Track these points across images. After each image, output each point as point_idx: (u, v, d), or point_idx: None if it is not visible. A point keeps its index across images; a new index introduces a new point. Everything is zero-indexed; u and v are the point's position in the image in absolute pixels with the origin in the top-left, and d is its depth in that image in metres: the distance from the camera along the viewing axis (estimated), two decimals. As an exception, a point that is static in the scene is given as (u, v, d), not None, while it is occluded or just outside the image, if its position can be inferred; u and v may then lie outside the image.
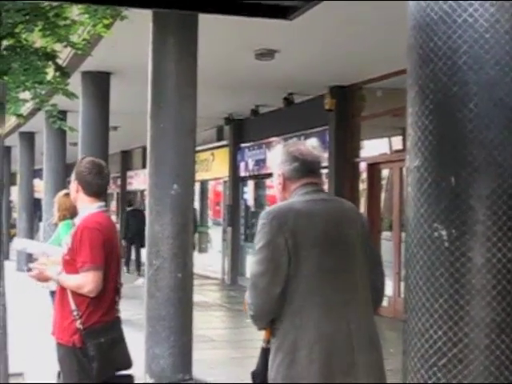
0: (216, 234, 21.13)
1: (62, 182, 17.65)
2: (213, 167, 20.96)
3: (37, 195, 25.65)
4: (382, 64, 11.88)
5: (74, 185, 4.96)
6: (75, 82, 11.68)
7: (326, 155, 12.90)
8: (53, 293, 6.02)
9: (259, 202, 18.96)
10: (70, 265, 4.74)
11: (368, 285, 3.54)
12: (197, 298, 10.19)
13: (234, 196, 19.43)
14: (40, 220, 23.03)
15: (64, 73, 7.55)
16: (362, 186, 14.38)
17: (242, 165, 19.10)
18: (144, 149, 22.93)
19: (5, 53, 6.78)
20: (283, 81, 13.72)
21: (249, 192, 19.54)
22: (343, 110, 14.26)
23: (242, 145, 19.03)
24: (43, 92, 8.56)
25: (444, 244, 2.58)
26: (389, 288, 12.50)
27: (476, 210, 2.54)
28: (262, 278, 3.38)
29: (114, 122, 15.69)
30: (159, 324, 8.14)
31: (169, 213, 8.14)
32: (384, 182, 14.21)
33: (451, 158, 2.58)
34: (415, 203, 2.68)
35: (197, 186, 19.96)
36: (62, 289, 4.81)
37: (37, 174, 25.82)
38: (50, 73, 7.69)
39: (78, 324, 4.65)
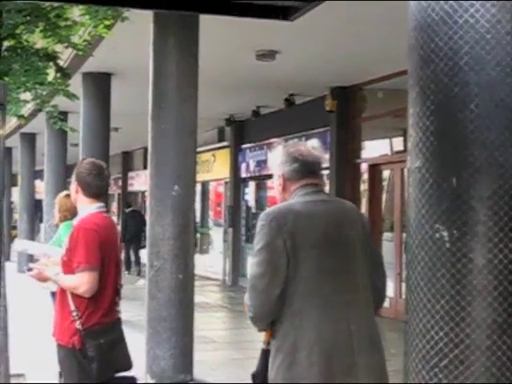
0: (217, 235, 21.13)
1: (62, 183, 17.65)
2: (214, 168, 20.96)
3: (38, 196, 25.64)
4: (383, 65, 11.88)
5: (73, 186, 4.98)
6: (76, 83, 11.68)
7: (326, 156, 12.91)
8: (54, 294, 6.02)
9: (260, 203, 18.95)
10: (68, 265, 4.75)
11: (369, 285, 3.54)
12: (198, 299, 10.19)
13: (235, 197, 19.43)
14: (41, 221, 23.02)
15: (65, 74, 7.56)
16: (363, 187, 14.37)
17: (243, 166, 19.09)
18: (145, 150, 22.93)
19: (6, 54, 6.79)
20: (284, 82, 13.72)
21: (250, 193, 19.53)
22: (344, 111, 14.25)
23: (243, 146, 19.02)
24: (44, 93, 8.57)
25: (445, 245, 2.57)
26: (390, 289, 12.50)
27: (477, 211, 2.54)
28: (261, 279, 3.38)
29: (115, 122, 15.69)
30: (160, 325, 8.15)
31: (170, 214, 8.14)
32: (385, 183, 14.20)
33: (452, 158, 2.57)
34: (416, 204, 2.68)
35: (198, 187, 19.95)
36: (62, 290, 4.81)
37: (38, 175, 25.82)
38: (51, 74, 7.70)
39: (78, 325, 4.65)
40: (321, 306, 3.36)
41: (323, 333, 3.34)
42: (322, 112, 14.33)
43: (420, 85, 2.67)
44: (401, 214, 12.73)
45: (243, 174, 19.18)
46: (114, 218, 23.69)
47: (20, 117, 10.13)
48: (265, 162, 17.51)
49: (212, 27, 8.49)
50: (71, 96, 7.81)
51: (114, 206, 30.38)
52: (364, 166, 14.33)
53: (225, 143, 20.18)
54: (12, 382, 7.33)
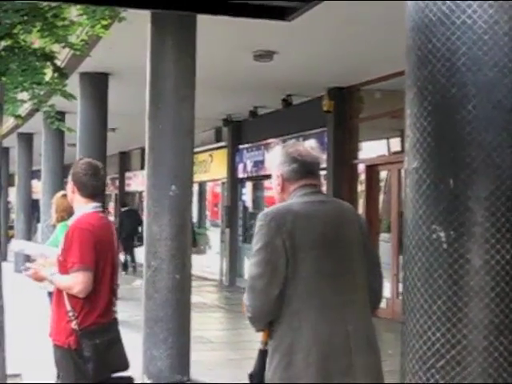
0: (214, 236, 21.12)
1: (60, 183, 17.64)
2: (211, 168, 20.95)
3: (35, 196, 25.64)
4: (380, 65, 11.88)
5: (70, 186, 4.98)
6: (73, 83, 11.67)
7: (324, 157, 12.90)
8: (51, 294, 6.01)
9: (257, 203, 18.95)
10: (64, 265, 4.75)
11: (366, 286, 3.54)
12: (195, 299, 10.18)
13: (232, 197, 19.42)
14: (38, 221, 23.03)
15: (62, 74, 7.55)
16: (361, 188, 14.37)
17: (241, 166, 19.10)
18: (142, 150, 22.92)
19: (3, 53, 6.78)
20: (282, 82, 13.72)
21: (247, 193, 19.53)
22: (341, 112, 14.25)
23: (241, 146, 19.02)
24: (41, 93, 8.56)
25: (442, 246, 2.57)
26: (387, 289, 12.50)
27: (474, 212, 2.54)
28: (260, 279, 3.37)
29: (112, 123, 15.68)
30: (157, 325, 8.14)
31: (167, 214, 8.14)
32: (382, 184, 14.21)
33: (450, 159, 2.57)
34: (414, 205, 2.68)
35: (195, 188, 19.95)
36: (59, 290, 4.81)
37: (35, 174, 25.80)
38: (48, 74, 7.68)
39: (74, 325, 4.65)
40: (319, 307, 3.36)
41: (321, 334, 3.34)
42: (319, 112, 14.34)
43: (417, 85, 2.67)
44: (398, 214, 12.73)
45: (240, 175, 19.18)
46: (111, 218, 23.69)
47: (17, 117, 10.12)
48: (262, 162, 17.51)
49: (209, 27, 8.48)
50: (68, 96, 7.80)
51: (111, 207, 30.36)
52: (361, 167, 14.33)
53: (222, 143, 20.18)
54: (8, 381, 7.32)
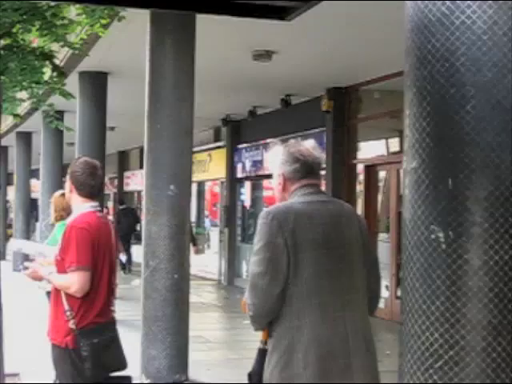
0: (213, 235, 21.12)
1: (58, 183, 17.63)
2: (210, 168, 20.95)
3: (33, 195, 25.64)
4: (379, 66, 11.89)
5: (68, 185, 4.98)
6: (72, 82, 11.67)
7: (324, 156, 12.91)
8: (49, 293, 6.00)
9: (256, 203, 18.95)
10: (61, 265, 4.74)
11: (364, 287, 3.55)
12: (193, 298, 10.18)
13: (230, 197, 19.43)
14: (37, 220, 23.02)
15: (61, 73, 7.54)
16: (359, 188, 14.38)
17: (239, 166, 19.09)
18: (141, 149, 22.87)
19: (2, 52, 6.78)
20: (281, 82, 13.73)
21: (246, 193, 19.53)
22: (340, 112, 14.26)
23: (239, 146, 19.03)
24: (40, 92, 8.56)
25: (441, 246, 2.57)
26: (385, 290, 12.50)
27: (473, 212, 2.53)
28: (262, 278, 3.37)
29: (111, 122, 15.69)
30: (155, 325, 8.14)
31: (165, 213, 8.14)
32: (381, 184, 14.21)
33: (448, 159, 2.57)
34: (412, 205, 2.68)
35: (194, 187, 19.94)
36: (57, 289, 4.81)
37: (34, 174, 25.80)
38: (47, 73, 7.68)
39: (72, 324, 4.65)
40: (319, 307, 3.37)
41: (320, 334, 3.34)
42: (318, 112, 14.34)
43: (416, 86, 2.67)
44: (396, 214, 12.73)
45: (239, 174, 19.19)
46: (110, 217, 23.63)
47: (16, 115, 10.10)
48: (261, 162, 17.51)
49: (209, 27, 8.48)
50: (67, 95, 7.79)
51: (110, 206, 30.36)
52: (360, 167, 14.34)
53: (221, 143, 20.19)
54: (7, 381, 7.32)
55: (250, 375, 3.61)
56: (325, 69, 12.51)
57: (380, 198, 14.15)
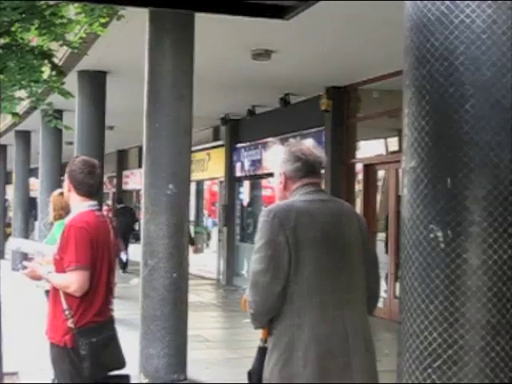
0: (214, 235, 21.11)
1: (57, 181, 17.62)
2: (209, 167, 20.94)
3: (32, 194, 25.62)
4: (378, 65, 11.88)
5: (66, 184, 4.97)
6: (71, 81, 11.65)
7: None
8: (47, 292, 6.00)
9: (255, 202, 18.95)
10: (60, 264, 4.74)
11: (364, 286, 3.55)
12: (192, 298, 10.18)
13: (229, 196, 19.42)
14: (35, 219, 23.00)
15: (60, 72, 7.54)
16: (358, 187, 14.37)
17: (238, 165, 19.08)
18: (140, 148, 22.89)
19: (0, 51, 6.78)
20: (280, 81, 13.72)
21: (244, 192, 19.52)
22: (339, 111, 14.25)
23: (238, 145, 19.01)
24: (39, 91, 8.55)
25: (440, 245, 2.57)
26: (383, 289, 12.50)
27: (472, 212, 2.53)
28: (263, 275, 3.37)
29: (110, 121, 15.67)
30: (154, 324, 8.13)
31: (164, 212, 8.14)
32: (380, 184, 14.21)
33: (447, 159, 2.57)
34: (411, 204, 2.68)
35: (192, 186, 19.93)
36: (55, 288, 4.80)
37: (33, 172, 25.79)
38: (46, 72, 7.68)
39: (70, 323, 4.64)
40: (319, 305, 3.37)
41: (320, 332, 3.35)
42: (317, 112, 14.34)
43: (415, 85, 2.67)
44: (395, 214, 12.73)
45: (238, 173, 19.18)
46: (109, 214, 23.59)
47: (14, 114, 10.09)
48: (259, 161, 17.50)
49: (208, 26, 8.48)
50: (66, 94, 7.78)
51: (110, 205, 30.35)
52: (359, 166, 14.33)
53: (220, 142, 20.17)
54: (5, 380, 7.32)
55: (249, 373, 3.61)
56: (324, 68, 12.50)
57: (379, 197, 14.15)
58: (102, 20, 7.36)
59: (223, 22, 7.74)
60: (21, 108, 14.87)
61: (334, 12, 8.82)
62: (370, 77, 13.01)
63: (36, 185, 23.09)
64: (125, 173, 28.98)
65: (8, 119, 20.02)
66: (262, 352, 3.51)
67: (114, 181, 29.58)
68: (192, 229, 20.13)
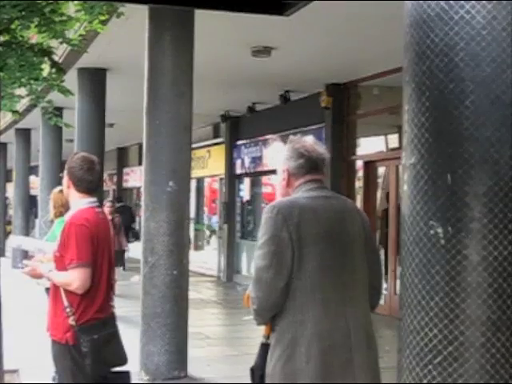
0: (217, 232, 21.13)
1: (57, 179, 17.56)
2: (209, 164, 20.94)
3: (33, 192, 25.62)
4: (378, 62, 11.87)
5: (65, 180, 4.95)
6: (71, 79, 11.66)
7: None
8: (48, 290, 6.00)
9: (255, 199, 18.95)
10: (61, 261, 4.73)
11: (367, 283, 3.55)
12: (192, 295, 10.18)
13: (230, 193, 19.42)
14: (36, 217, 23.01)
15: (60, 69, 7.53)
16: (358, 184, 14.37)
17: (238, 162, 19.08)
18: (140, 146, 22.84)
19: (0, 49, 6.76)
20: (280, 78, 13.71)
21: (245, 189, 19.52)
22: (339, 108, 14.25)
23: (238, 142, 19.01)
24: (39, 88, 8.54)
25: (440, 242, 2.57)
26: (384, 286, 12.50)
27: (472, 208, 2.53)
28: (267, 271, 3.37)
29: (110, 118, 15.67)
30: (154, 321, 8.14)
31: (164, 210, 8.14)
32: (380, 180, 14.21)
33: (447, 155, 2.57)
34: (411, 201, 2.68)
35: (193, 183, 19.93)
36: (55, 286, 4.79)
37: (33, 170, 25.79)
38: (46, 69, 7.67)
39: (71, 321, 4.64)
40: (322, 302, 3.37)
41: (323, 328, 3.35)
42: (317, 108, 14.33)
43: (415, 81, 2.67)
44: (396, 210, 12.73)
45: (238, 171, 19.17)
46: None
47: (14, 112, 10.08)
48: (260, 158, 17.49)
49: (208, 23, 8.47)
50: (66, 92, 7.77)
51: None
52: (359, 163, 14.33)
53: (220, 139, 20.17)
54: (6, 378, 7.31)
55: (252, 370, 3.61)
56: (324, 65, 12.50)
57: (379, 194, 14.14)
58: (102, 17, 7.35)
59: (223, 19, 7.72)
60: (21, 106, 14.86)
61: (333, 9, 8.81)
62: (370, 73, 13.00)
63: (36, 182, 23.09)
64: (125, 170, 28.99)
65: (8, 117, 20.01)
66: (265, 348, 3.51)
67: (115, 178, 29.58)
68: (192, 226, 20.11)
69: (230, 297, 16.18)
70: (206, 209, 22.60)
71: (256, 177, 18.55)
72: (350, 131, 14.41)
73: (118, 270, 13.88)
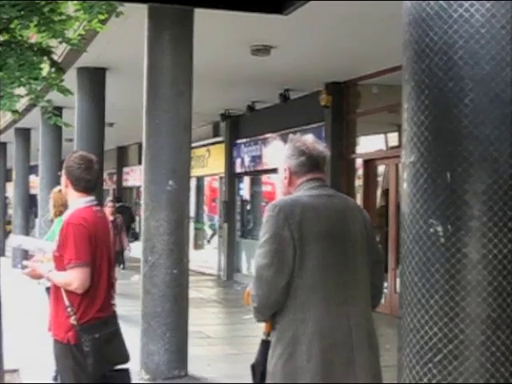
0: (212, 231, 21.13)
1: (57, 178, 17.46)
2: (209, 163, 20.94)
3: (32, 191, 25.62)
4: (377, 60, 11.87)
5: (63, 179, 4.93)
6: (71, 78, 11.65)
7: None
8: (49, 289, 6.00)
9: (255, 198, 18.95)
10: (60, 261, 4.72)
11: (368, 282, 3.55)
12: (192, 294, 10.18)
13: (229, 192, 19.42)
14: (36, 216, 23.00)
15: (59, 68, 7.53)
16: (358, 183, 14.37)
17: (238, 161, 19.08)
18: (140, 145, 22.86)
19: (0, 48, 6.76)
20: (279, 77, 13.71)
21: (245, 188, 19.52)
22: (339, 107, 14.25)
23: (238, 141, 19.01)
24: (38, 88, 8.54)
25: (440, 240, 2.57)
26: (385, 284, 12.50)
27: (471, 206, 2.53)
28: (268, 269, 3.37)
29: (110, 118, 15.67)
30: (155, 320, 8.14)
31: (164, 209, 8.14)
32: (380, 179, 14.21)
33: (447, 153, 2.57)
34: (411, 199, 2.68)
35: (192, 182, 19.93)
36: (56, 286, 4.79)
37: (33, 170, 25.79)
38: (45, 68, 7.67)
39: (73, 320, 4.63)
40: (323, 300, 3.37)
41: (324, 327, 3.35)
42: (316, 107, 14.33)
43: (415, 79, 2.67)
44: (396, 209, 12.73)
45: (238, 169, 19.17)
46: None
47: (14, 112, 10.07)
48: (259, 157, 17.50)
49: (207, 22, 8.48)
50: (65, 91, 7.76)
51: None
52: (359, 162, 14.33)
53: (219, 138, 20.17)
54: (6, 377, 7.31)
55: (253, 366, 3.61)
56: (323, 63, 12.49)
57: (379, 192, 14.14)
58: (101, 17, 7.34)
59: (222, 17, 7.73)
60: (20, 105, 14.85)
61: (333, 7, 8.81)
62: (370, 72, 13.00)
63: (36, 182, 23.09)
64: (125, 169, 28.99)
65: (8, 116, 20.01)
66: (265, 345, 3.51)
67: (114, 177, 29.58)
68: (192, 225, 20.11)
69: (230, 296, 16.18)
70: (205, 208, 22.59)
71: (256, 175, 18.55)
72: (350, 130, 14.41)
73: (118, 270, 13.88)
